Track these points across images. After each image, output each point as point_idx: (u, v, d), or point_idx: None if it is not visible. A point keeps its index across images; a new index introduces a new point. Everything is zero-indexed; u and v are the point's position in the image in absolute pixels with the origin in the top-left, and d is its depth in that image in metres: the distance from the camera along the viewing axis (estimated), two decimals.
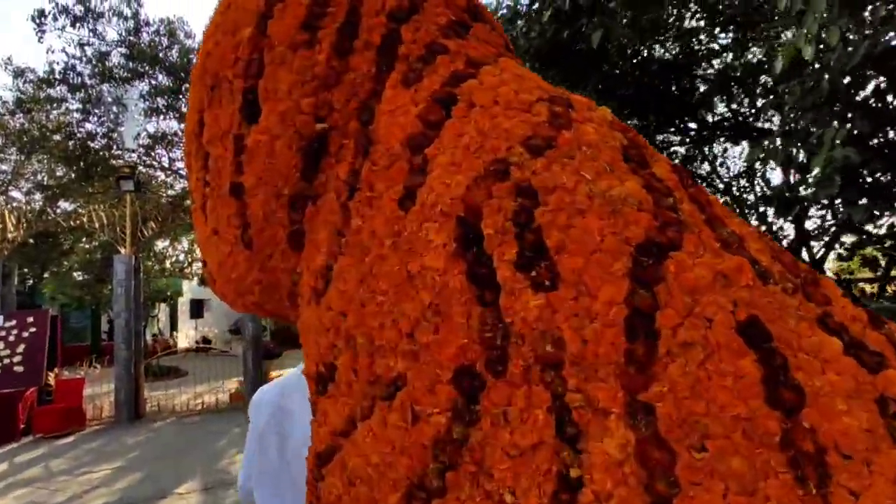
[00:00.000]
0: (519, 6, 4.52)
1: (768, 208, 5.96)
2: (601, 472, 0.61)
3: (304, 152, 0.92)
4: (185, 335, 20.24)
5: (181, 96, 10.65)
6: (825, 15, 2.40)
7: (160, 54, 10.36)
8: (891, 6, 2.59)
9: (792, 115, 3.91)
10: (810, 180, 3.45)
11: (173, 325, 21.65)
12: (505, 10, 4.53)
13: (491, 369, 0.72)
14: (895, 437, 0.55)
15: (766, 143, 3.73)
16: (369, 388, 0.86)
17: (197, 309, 18.30)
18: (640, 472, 0.59)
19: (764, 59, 6.23)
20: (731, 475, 0.56)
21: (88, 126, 11.25)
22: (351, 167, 0.89)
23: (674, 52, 6.30)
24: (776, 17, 5.48)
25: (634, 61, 5.07)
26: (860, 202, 3.27)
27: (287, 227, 0.96)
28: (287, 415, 1.30)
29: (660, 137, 6.73)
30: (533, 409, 0.70)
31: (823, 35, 2.42)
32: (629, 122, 5.60)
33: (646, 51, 5.78)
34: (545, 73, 4.41)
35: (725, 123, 6.77)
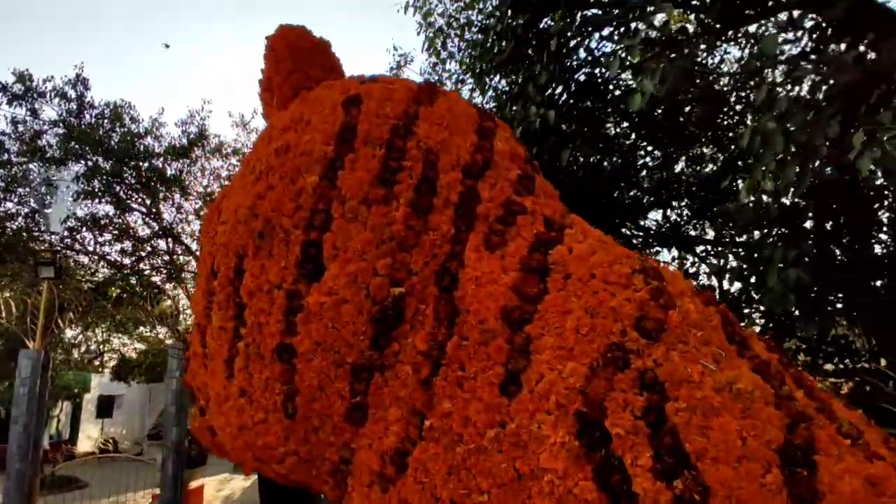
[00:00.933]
0: None
1: None
2: None
3: (376, 318, 0.83)
4: (88, 437, 17.96)
5: (120, 180, 10.21)
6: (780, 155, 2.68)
7: (102, 137, 10.03)
8: (827, 143, 2.90)
9: (734, 232, 4.25)
10: (764, 295, 3.67)
11: (74, 426, 19.21)
12: None
13: None
14: None
15: (721, 259, 3.99)
16: None
17: (106, 407, 16.40)
18: None
19: (687, 171, 6.90)
20: None
21: (8, 205, 10.45)
22: (431, 338, 0.80)
23: (617, 164, 6.83)
24: (702, 138, 6.15)
25: (581, 172, 5.41)
26: (815, 318, 3.50)
27: (347, 398, 0.84)
28: None
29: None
30: None
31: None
32: None
33: (596, 162, 6.23)
34: None
35: (660, 230, 7.27)
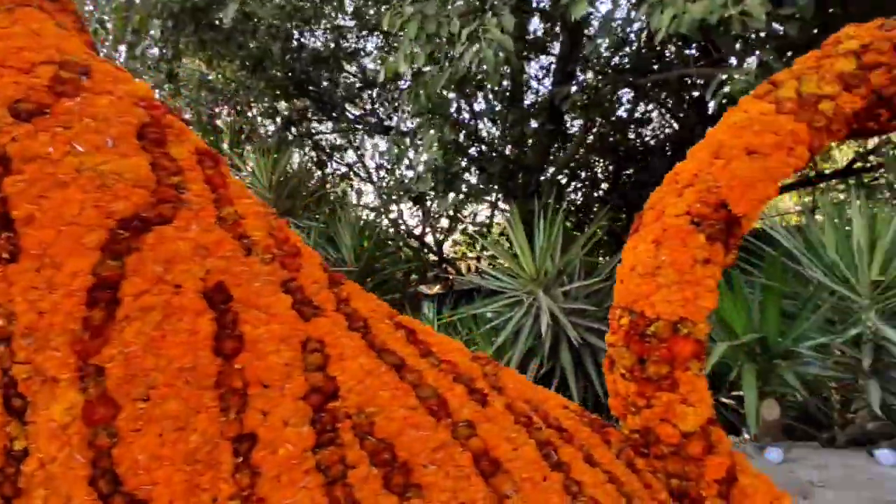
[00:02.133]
0: None
1: (404, 196, 6.97)
2: (46, 439, 0.63)
3: None
4: None
5: None
6: (416, 43, 2.96)
7: None
8: (466, 44, 3.27)
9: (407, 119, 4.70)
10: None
11: None
12: None
13: None
14: (306, 366, 0.75)
15: (392, 140, 4.39)
16: None
17: None
18: (84, 431, 0.63)
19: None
20: (166, 417, 0.66)
21: None
22: None
23: (327, 45, 6.66)
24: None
25: (283, 45, 5.15)
26: (449, 195, 4.19)
27: None
28: None
29: (316, 125, 7.11)
30: None
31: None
32: (279, 104, 5.72)
33: (299, 37, 5.95)
34: (179, 35, 4.06)
35: (368, 118, 7.59)
